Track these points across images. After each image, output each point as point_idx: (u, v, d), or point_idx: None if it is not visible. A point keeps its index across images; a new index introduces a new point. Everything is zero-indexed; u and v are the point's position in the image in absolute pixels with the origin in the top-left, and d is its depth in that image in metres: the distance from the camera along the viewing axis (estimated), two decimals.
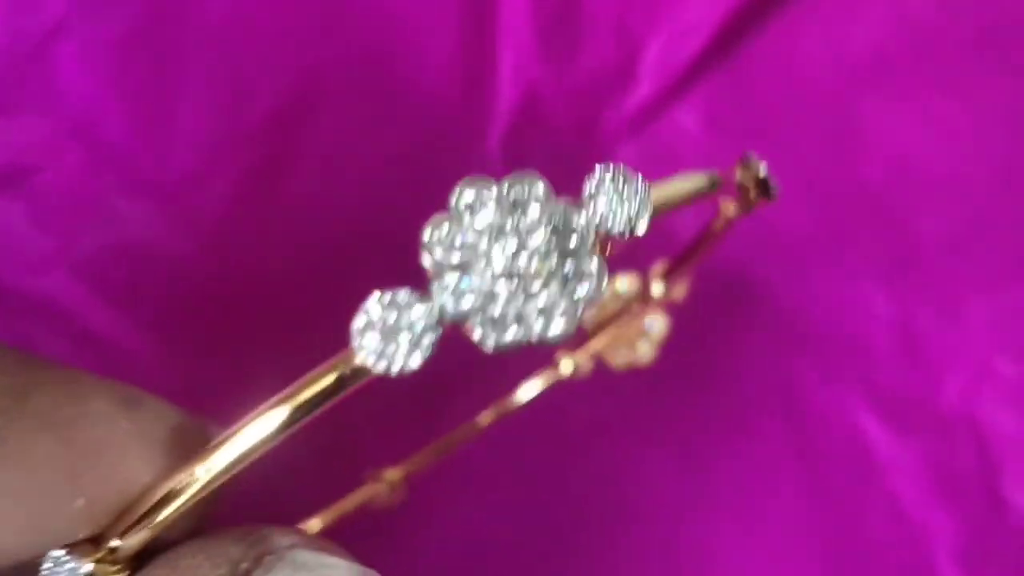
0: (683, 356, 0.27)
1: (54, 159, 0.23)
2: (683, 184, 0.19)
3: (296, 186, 0.26)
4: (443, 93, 0.27)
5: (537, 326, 0.14)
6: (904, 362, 0.27)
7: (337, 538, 0.16)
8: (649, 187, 0.16)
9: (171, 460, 0.16)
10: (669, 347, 0.27)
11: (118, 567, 0.15)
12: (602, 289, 0.15)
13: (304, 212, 0.26)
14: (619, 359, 0.26)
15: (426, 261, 0.15)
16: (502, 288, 0.14)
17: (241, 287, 0.25)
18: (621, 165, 0.16)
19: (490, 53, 0.27)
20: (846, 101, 0.29)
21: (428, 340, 0.14)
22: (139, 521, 0.15)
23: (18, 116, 0.23)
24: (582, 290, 0.15)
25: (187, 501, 0.14)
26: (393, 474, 0.25)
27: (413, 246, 0.28)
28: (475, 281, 0.14)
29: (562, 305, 0.14)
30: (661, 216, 0.16)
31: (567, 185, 0.28)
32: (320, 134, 0.26)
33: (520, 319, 0.14)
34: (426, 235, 0.15)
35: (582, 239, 0.15)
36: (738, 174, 0.20)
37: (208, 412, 0.17)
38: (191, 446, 0.16)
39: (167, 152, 0.24)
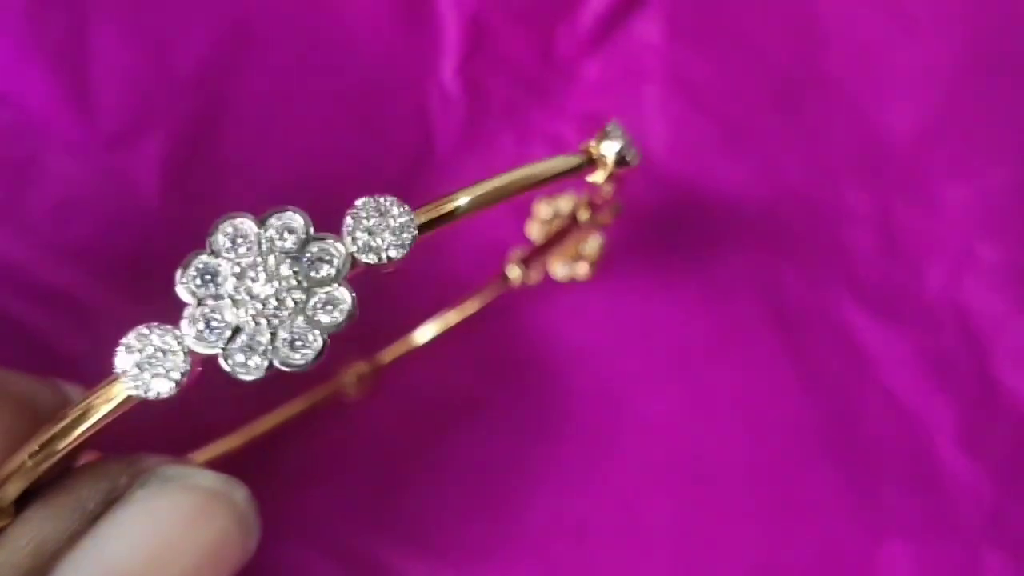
0: (668, 272, 0.27)
1: None
2: (551, 164, 0.20)
3: (233, 137, 0.25)
4: (382, 33, 0.26)
5: (285, 355, 0.16)
6: (885, 254, 0.27)
7: None
8: (411, 217, 0.17)
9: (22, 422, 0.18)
10: (651, 265, 0.27)
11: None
12: (351, 318, 0.16)
13: (244, 163, 0.25)
14: (560, 273, 0.26)
15: (182, 294, 0.16)
16: (251, 320, 0.16)
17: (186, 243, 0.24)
18: (383, 197, 0.17)
19: None
20: None
21: (179, 370, 0.15)
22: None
23: None
24: (331, 319, 0.16)
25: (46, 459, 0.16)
26: (361, 367, 0.25)
27: (369, 190, 0.27)
28: (227, 315, 0.16)
29: (309, 335, 0.16)
30: None
31: (533, 111, 0.27)
32: (254, 83, 0.25)
33: (268, 350, 0.16)
34: (180, 272, 0.16)
35: (337, 270, 0.16)
36: (596, 149, 0.21)
37: None
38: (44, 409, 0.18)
39: (91, 112, 0.23)
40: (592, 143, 0.21)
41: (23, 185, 0.22)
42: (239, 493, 0.18)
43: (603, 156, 0.21)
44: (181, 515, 0.17)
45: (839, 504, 0.25)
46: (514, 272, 0.26)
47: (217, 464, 0.23)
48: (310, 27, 0.25)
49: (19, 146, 0.22)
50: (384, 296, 0.24)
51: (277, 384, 0.23)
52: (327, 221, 0.26)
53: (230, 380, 0.16)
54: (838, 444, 0.26)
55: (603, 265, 0.26)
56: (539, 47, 0.27)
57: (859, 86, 0.28)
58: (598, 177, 0.21)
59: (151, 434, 0.24)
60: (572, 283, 0.27)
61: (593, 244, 0.27)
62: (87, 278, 0.23)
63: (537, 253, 0.26)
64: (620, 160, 0.21)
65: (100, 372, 0.16)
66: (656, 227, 0.27)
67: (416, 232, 0.17)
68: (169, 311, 0.16)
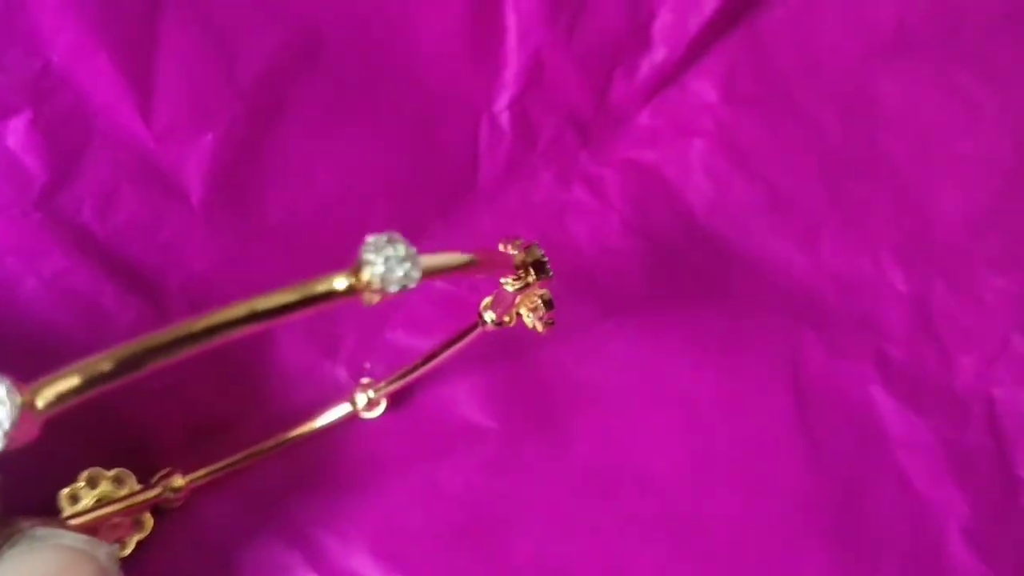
0: (690, 325, 0.27)
1: (36, 102, 0.23)
2: (448, 259, 0.20)
3: (285, 142, 0.25)
4: (447, 56, 0.27)
5: None
6: (918, 337, 0.26)
7: None
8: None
9: None
10: (675, 315, 0.27)
11: None
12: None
13: (290, 170, 0.26)
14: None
15: None
16: None
17: (226, 247, 0.25)
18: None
19: (496, 18, 0.27)
20: (866, 72, 0.28)
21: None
22: None
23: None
24: None
25: None
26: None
27: (415, 210, 0.28)
28: None
29: None
30: None
31: (578, 152, 0.28)
32: (314, 92, 0.26)
33: None
34: None
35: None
36: (517, 257, 0.21)
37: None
38: None
39: (148, 104, 0.24)
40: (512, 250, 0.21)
41: (71, 170, 0.23)
42: (102, 551, 0.19)
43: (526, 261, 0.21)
44: (47, 571, 0.18)
45: None
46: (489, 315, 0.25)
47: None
48: (377, 42, 0.26)
49: (74, 131, 0.23)
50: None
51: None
52: (360, 235, 0.27)
53: None
54: (841, 521, 0.25)
55: (623, 307, 0.26)
56: (594, 91, 0.28)
57: (913, 168, 0.28)
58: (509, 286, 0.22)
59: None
60: (588, 325, 0.26)
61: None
62: (126, 267, 0.24)
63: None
64: (539, 267, 0.21)
65: None
66: (684, 278, 0.27)
67: None
68: None
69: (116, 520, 0.23)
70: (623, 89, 0.28)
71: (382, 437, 0.25)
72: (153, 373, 0.16)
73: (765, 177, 0.28)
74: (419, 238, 0.27)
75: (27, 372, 0.24)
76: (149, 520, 0.23)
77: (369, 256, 0.18)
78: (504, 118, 0.27)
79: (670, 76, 0.28)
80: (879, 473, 0.25)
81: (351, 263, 0.17)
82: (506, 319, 0.23)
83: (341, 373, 0.26)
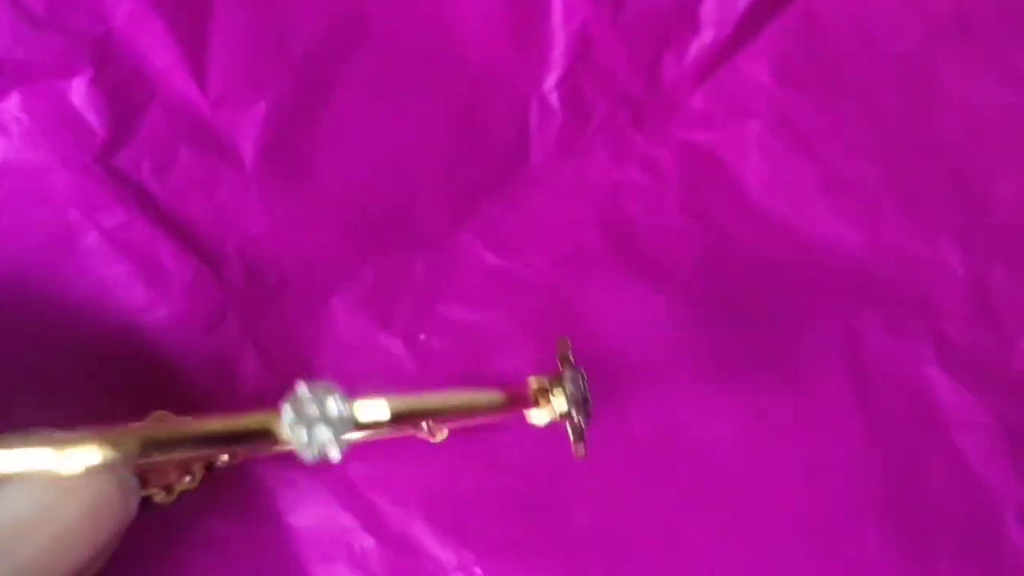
0: (746, 305, 0.27)
1: (98, 64, 0.24)
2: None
3: (333, 115, 0.26)
4: (492, 36, 0.27)
5: None
6: (976, 319, 0.26)
7: None
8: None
9: None
10: (730, 294, 0.27)
11: None
12: None
13: (340, 141, 0.26)
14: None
15: None
16: None
17: (279, 213, 0.25)
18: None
19: None
20: (923, 55, 0.28)
21: None
22: None
23: (64, 22, 0.24)
24: None
25: None
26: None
27: (464, 187, 0.28)
28: None
29: None
30: None
31: (633, 132, 0.28)
32: (363, 67, 0.26)
33: None
34: None
35: None
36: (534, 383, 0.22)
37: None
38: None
39: (202, 72, 0.24)
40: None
41: (130, 130, 0.24)
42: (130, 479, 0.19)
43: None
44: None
45: (887, 566, 0.24)
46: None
47: None
48: (423, 20, 0.26)
49: (133, 93, 0.24)
50: None
51: None
52: (408, 212, 0.27)
53: None
54: (897, 503, 0.25)
55: (678, 286, 0.26)
56: (645, 72, 0.28)
57: (971, 151, 0.28)
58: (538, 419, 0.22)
59: None
60: (643, 302, 0.27)
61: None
62: (183, 228, 0.25)
63: None
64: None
65: None
66: (739, 257, 0.27)
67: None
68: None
69: (166, 467, 0.23)
70: (674, 70, 0.28)
71: None
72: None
73: (821, 158, 0.28)
74: (469, 215, 0.27)
75: (82, 323, 0.24)
76: (199, 472, 0.24)
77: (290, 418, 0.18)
78: (554, 97, 0.27)
79: (721, 57, 0.28)
80: (935, 453, 0.25)
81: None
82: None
83: (396, 345, 0.26)
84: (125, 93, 0.24)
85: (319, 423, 0.18)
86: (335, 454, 0.18)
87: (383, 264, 0.26)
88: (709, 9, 0.27)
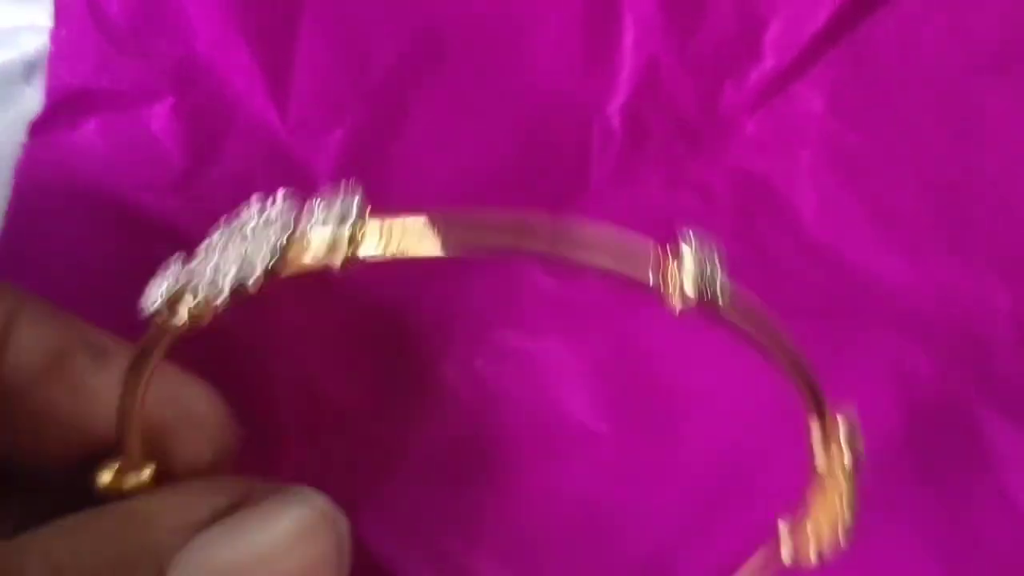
0: (796, 335, 0.27)
1: (179, 90, 0.23)
2: None
3: (407, 148, 0.26)
4: (564, 59, 0.27)
5: None
6: (1023, 353, 0.27)
7: None
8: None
9: None
10: (790, 323, 0.27)
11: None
12: None
13: (414, 165, 0.26)
14: None
15: None
16: None
17: None
18: None
19: (613, 23, 0.27)
20: (971, 88, 0.28)
21: None
22: None
23: (147, 46, 0.23)
24: None
25: None
26: None
27: (526, 209, 0.27)
28: None
29: None
30: None
31: (688, 158, 0.28)
32: (434, 92, 0.26)
33: None
34: None
35: None
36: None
37: None
38: None
39: (283, 96, 0.24)
40: None
41: (209, 156, 0.23)
42: (343, 523, 0.19)
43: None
44: (298, 527, 0.18)
45: None
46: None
47: None
48: (494, 42, 0.26)
49: (212, 118, 0.23)
50: None
51: None
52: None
53: None
54: (947, 543, 0.25)
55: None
56: (705, 99, 0.28)
57: (1016, 186, 0.28)
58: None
59: None
60: (697, 332, 0.27)
61: None
62: None
63: None
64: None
65: None
66: (790, 287, 0.27)
67: None
68: None
69: None
70: (732, 97, 0.28)
71: (499, 438, 0.25)
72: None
73: (870, 189, 0.28)
74: None
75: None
76: None
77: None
78: (616, 120, 0.27)
79: (777, 86, 0.28)
80: (987, 496, 0.26)
81: None
82: None
83: (451, 372, 0.26)
84: (204, 119, 0.23)
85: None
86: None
87: (440, 289, 0.26)
88: (773, 36, 0.27)
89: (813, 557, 0.21)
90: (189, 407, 0.21)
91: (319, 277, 0.20)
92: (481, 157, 0.26)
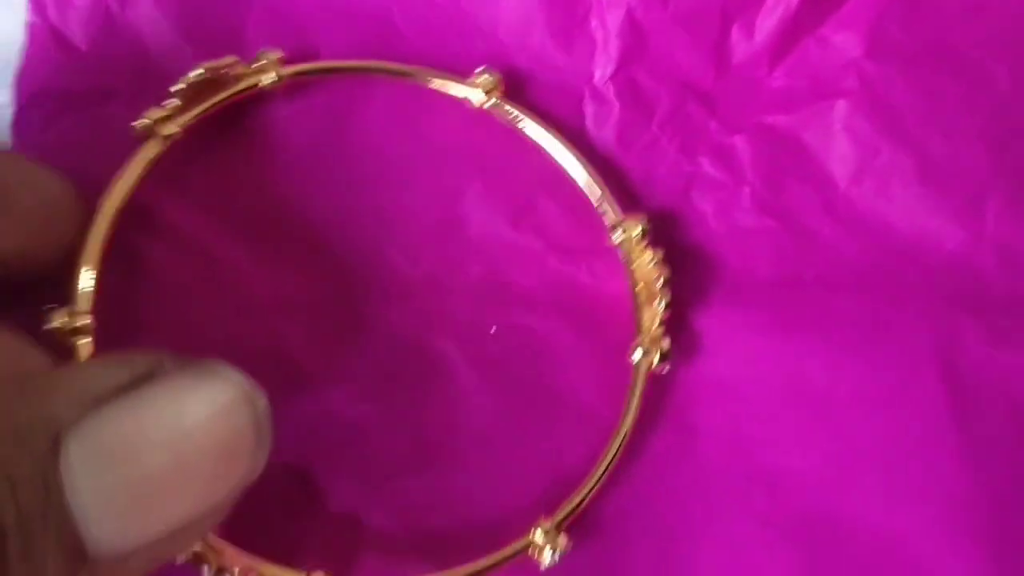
0: (829, 311, 0.24)
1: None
2: None
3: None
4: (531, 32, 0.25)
5: None
6: None
7: None
8: None
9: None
10: (812, 300, 0.24)
11: None
12: None
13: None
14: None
15: None
16: None
17: None
18: None
19: None
20: None
21: None
22: None
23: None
24: None
25: None
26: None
27: (517, 183, 0.26)
28: None
29: None
30: None
31: (702, 120, 0.25)
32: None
33: None
34: None
35: None
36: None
37: None
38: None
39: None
40: None
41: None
42: (262, 402, 0.18)
43: None
44: (211, 402, 0.17)
45: None
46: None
47: None
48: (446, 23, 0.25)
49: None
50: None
51: None
52: (461, 214, 0.25)
53: None
54: (995, 531, 0.23)
55: (752, 292, 0.24)
56: (709, 53, 0.25)
57: None
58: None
59: None
60: (715, 312, 0.24)
61: None
62: None
63: None
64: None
65: None
66: (822, 259, 0.25)
67: None
68: None
69: None
70: (744, 49, 0.25)
71: (497, 418, 0.24)
72: None
73: (918, 141, 0.25)
74: (526, 215, 0.25)
75: None
76: None
77: None
78: (609, 90, 0.25)
79: (801, 29, 0.25)
80: None
81: None
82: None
83: (451, 348, 0.25)
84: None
85: None
86: None
87: (435, 267, 0.25)
88: None
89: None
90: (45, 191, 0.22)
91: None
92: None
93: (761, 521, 0.23)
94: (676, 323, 0.24)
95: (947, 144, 0.25)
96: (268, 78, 0.24)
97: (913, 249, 0.24)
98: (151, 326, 0.24)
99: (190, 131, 0.24)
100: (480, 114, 0.25)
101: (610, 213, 0.24)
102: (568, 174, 0.25)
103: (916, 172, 0.25)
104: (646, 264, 0.24)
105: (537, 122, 0.25)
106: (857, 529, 0.23)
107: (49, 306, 0.22)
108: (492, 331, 0.25)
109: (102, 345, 0.22)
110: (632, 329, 0.24)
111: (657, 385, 0.24)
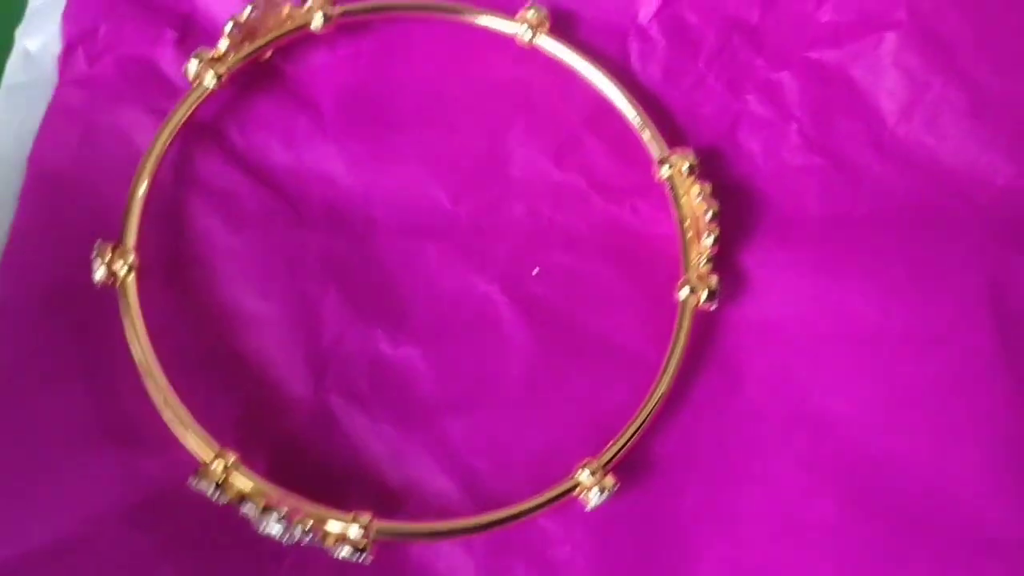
0: (877, 250, 0.24)
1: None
2: None
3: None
4: None
5: None
6: None
7: None
8: None
9: None
10: (860, 239, 0.24)
11: None
12: None
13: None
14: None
15: None
16: None
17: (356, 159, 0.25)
18: None
19: None
20: None
21: None
22: None
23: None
24: None
25: None
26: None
27: (561, 124, 0.25)
28: None
29: None
30: None
31: (749, 57, 0.25)
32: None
33: None
34: None
35: None
36: None
37: None
38: None
39: None
40: None
41: None
42: None
43: None
44: None
45: None
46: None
47: None
48: None
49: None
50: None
51: None
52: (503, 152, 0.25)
53: None
54: None
55: (801, 232, 0.24)
56: None
57: None
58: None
59: None
60: (763, 253, 0.24)
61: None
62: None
63: None
64: None
65: None
66: (871, 197, 0.24)
67: None
68: None
69: None
70: None
71: (540, 359, 0.24)
72: None
73: (970, 75, 0.24)
74: (570, 153, 0.25)
75: None
76: None
77: None
78: (653, 28, 0.25)
79: None
80: None
81: None
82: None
83: (494, 290, 0.24)
84: None
85: None
86: None
87: (478, 206, 0.24)
88: None
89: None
90: None
91: None
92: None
93: (806, 464, 0.23)
94: (722, 263, 0.24)
95: (999, 77, 0.24)
96: (317, 19, 0.24)
97: (963, 185, 0.24)
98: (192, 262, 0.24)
99: (234, 77, 0.23)
100: (526, 51, 0.24)
101: (656, 148, 0.24)
102: (615, 110, 0.24)
103: (967, 106, 0.24)
104: (694, 198, 0.23)
105: (583, 58, 0.24)
106: (903, 471, 0.23)
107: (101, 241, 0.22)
108: (535, 272, 0.24)
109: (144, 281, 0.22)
110: (677, 270, 0.24)
111: (702, 325, 0.24)
